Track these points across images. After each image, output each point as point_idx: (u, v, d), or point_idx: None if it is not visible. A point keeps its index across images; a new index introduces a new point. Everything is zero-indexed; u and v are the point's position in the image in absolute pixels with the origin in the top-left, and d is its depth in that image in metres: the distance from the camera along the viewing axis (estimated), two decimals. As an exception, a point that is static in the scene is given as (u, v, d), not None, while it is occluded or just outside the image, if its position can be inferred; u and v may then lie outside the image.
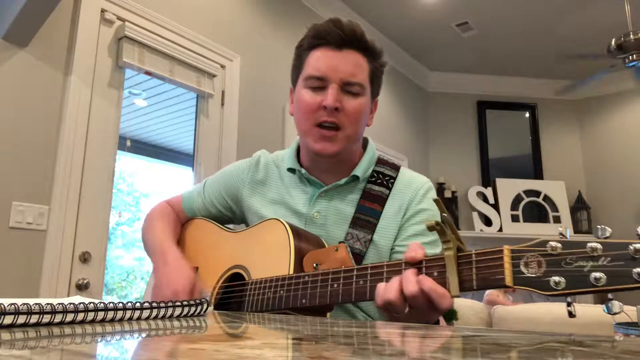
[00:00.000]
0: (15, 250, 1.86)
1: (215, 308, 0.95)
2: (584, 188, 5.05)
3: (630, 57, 3.44)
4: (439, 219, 0.65)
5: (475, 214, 4.78)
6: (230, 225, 1.12)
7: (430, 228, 0.63)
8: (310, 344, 0.40)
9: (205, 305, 0.65)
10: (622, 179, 4.82)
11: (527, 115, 5.24)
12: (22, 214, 1.89)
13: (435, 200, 0.67)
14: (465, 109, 5.14)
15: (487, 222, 4.74)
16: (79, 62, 2.11)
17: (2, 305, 0.45)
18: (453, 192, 4.85)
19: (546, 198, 4.86)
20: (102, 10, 2.24)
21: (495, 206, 4.78)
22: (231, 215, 1.13)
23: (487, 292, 3.00)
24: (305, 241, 0.89)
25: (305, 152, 1.01)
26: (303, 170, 1.00)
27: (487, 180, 4.95)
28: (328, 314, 0.83)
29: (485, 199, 4.83)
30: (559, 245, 0.56)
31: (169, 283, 0.93)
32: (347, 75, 0.93)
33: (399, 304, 0.64)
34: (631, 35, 3.41)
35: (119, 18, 2.30)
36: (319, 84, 0.94)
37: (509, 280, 0.58)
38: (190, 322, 0.57)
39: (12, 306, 0.46)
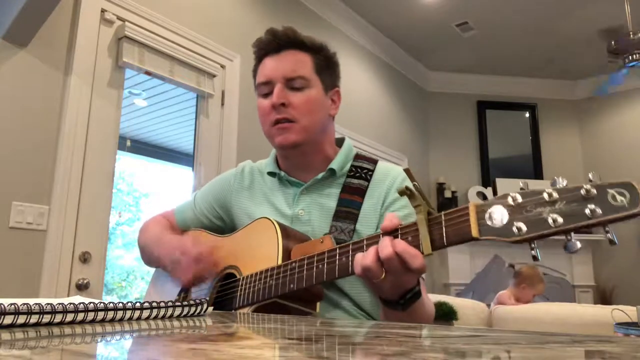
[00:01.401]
0: (15, 250, 1.86)
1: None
2: (584, 188, 5.05)
3: (630, 57, 3.44)
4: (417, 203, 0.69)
5: (475, 214, 4.77)
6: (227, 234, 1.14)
7: (401, 193, 0.69)
8: (309, 344, 0.40)
9: (205, 305, 0.65)
10: (622, 179, 4.82)
11: (527, 115, 5.24)
12: (22, 214, 1.89)
13: (405, 170, 0.72)
14: (465, 109, 5.14)
15: (487, 222, 4.73)
16: (79, 62, 2.11)
17: (2, 305, 0.45)
18: (453, 192, 4.85)
19: (546, 198, 4.86)
20: (102, 10, 2.24)
21: (495, 206, 4.78)
22: (222, 225, 1.16)
23: (497, 295, 3.01)
24: (292, 237, 0.92)
25: (279, 154, 1.07)
26: (282, 173, 1.05)
27: (487, 180, 4.95)
28: (318, 305, 0.85)
29: (485, 199, 4.81)
30: (519, 196, 0.61)
31: (174, 249, 0.98)
32: (288, 71, 0.98)
33: (376, 269, 0.68)
34: (631, 35, 3.41)
35: (119, 18, 2.30)
36: (267, 89, 1.00)
37: (475, 233, 0.62)
38: (190, 322, 0.57)
39: (12, 306, 0.46)
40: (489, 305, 2.58)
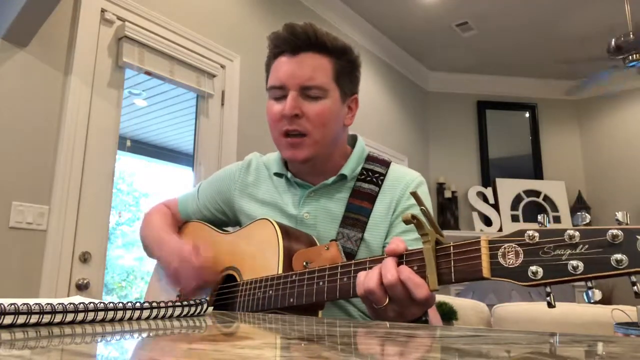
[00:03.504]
0: (15, 250, 1.86)
1: None
2: (584, 188, 5.05)
3: (630, 57, 3.44)
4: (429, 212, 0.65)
5: (475, 214, 4.77)
6: (230, 229, 1.13)
7: (407, 222, 0.63)
8: (309, 344, 0.40)
9: (205, 305, 0.65)
10: (622, 179, 4.82)
11: (527, 115, 5.24)
12: (22, 214, 1.89)
13: (412, 194, 0.67)
14: (465, 109, 5.14)
15: (487, 222, 4.74)
16: (79, 62, 2.10)
17: (2, 305, 0.45)
18: (453, 192, 4.85)
19: (546, 198, 4.86)
20: (102, 10, 2.24)
21: (495, 206, 4.78)
22: (225, 219, 1.14)
23: None
24: (295, 240, 0.88)
25: None
26: (289, 175, 1.00)
27: (487, 180, 4.95)
28: (320, 312, 0.83)
29: (485, 199, 4.83)
30: (537, 234, 0.55)
31: (174, 257, 0.95)
32: (305, 80, 0.91)
33: (379, 294, 0.64)
34: (631, 35, 3.41)
35: (119, 18, 2.30)
36: (280, 93, 0.93)
37: (486, 273, 0.58)
38: (190, 322, 0.57)
39: (12, 306, 0.46)
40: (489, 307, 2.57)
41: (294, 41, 0.93)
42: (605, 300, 4.54)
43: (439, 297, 2.42)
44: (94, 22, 2.20)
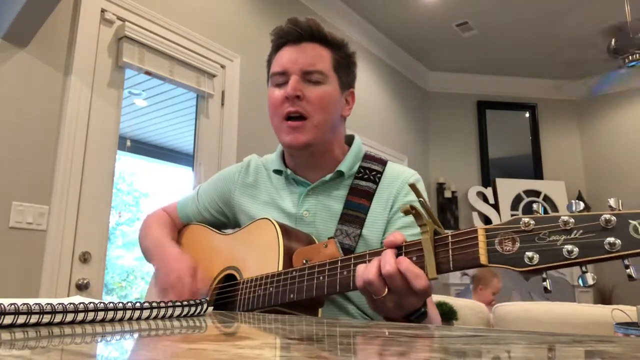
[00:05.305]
0: (15, 250, 1.86)
1: None
2: (584, 188, 5.05)
3: (630, 57, 3.45)
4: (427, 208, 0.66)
5: (475, 214, 4.78)
6: (229, 230, 1.13)
7: (406, 212, 0.65)
8: (309, 344, 0.40)
9: (205, 305, 0.65)
10: (622, 179, 4.82)
11: (527, 115, 5.24)
12: (22, 214, 1.89)
13: (410, 186, 0.69)
14: (465, 109, 5.15)
15: (487, 222, 4.73)
16: (79, 62, 2.11)
17: (2, 305, 0.45)
18: (453, 192, 4.85)
19: (546, 198, 4.86)
20: (102, 10, 2.24)
21: (495, 206, 4.78)
22: (225, 220, 1.14)
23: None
24: (295, 239, 0.89)
25: (285, 151, 1.03)
26: (289, 171, 1.01)
27: (487, 180, 4.95)
28: (320, 310, 0.83)
29: (485, 199, 4.83)
30: (532, 221, 0.57)
31: (171, 271, 0.94)
32: (306, 65, 0.95)
33: (378, 285, 0.66)
34: (631, 35, 3.41)
35: (119, 18, 2.30)
36: (282, 79, 0.96)
37: (484, 260, 0.59)
38: (190, 322, 0.57)
39: (12, 306, 0.46)
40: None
41: (297, 31, 0.98)
42: (606, 300, 4.54)
43: (439, 297, 2.42)
44: (94, 22, 2.20)
